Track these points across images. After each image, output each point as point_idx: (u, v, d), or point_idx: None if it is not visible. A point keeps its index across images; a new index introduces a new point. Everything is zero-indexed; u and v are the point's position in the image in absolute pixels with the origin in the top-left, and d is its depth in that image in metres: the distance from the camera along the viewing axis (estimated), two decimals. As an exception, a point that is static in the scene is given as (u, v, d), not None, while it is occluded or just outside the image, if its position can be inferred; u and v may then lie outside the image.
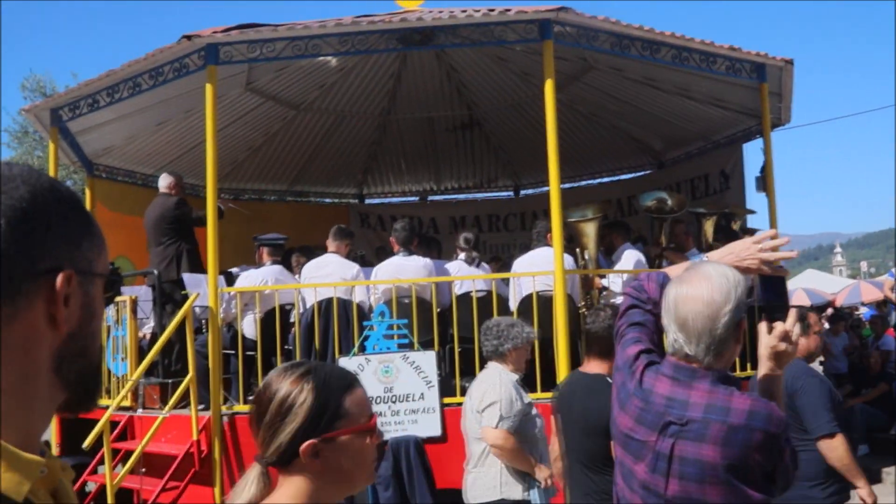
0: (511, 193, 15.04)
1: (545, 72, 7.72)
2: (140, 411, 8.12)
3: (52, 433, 9.56)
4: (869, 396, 11.19)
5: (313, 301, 7.83)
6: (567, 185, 13.80)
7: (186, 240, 8.74)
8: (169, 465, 7.42)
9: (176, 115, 10.67)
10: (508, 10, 7.64)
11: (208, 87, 7.90)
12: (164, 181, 9.10)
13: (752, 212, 10.56)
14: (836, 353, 12.49)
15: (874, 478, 9.70)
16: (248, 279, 8.38)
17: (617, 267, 8.39)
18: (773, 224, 9.36)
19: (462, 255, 8.29)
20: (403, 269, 7.90)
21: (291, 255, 9.02)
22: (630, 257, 8.34)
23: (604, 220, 9.13)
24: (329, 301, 7.77)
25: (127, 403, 8.09)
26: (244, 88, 10.92)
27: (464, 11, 7.75)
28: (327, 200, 14.97)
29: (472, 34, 8.14)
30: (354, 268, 8.04)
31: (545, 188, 14.17)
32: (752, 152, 11.35)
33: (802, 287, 30.44)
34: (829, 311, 21.61)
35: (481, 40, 8.26)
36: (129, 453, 7.62)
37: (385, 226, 13.49)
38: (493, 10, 7.65)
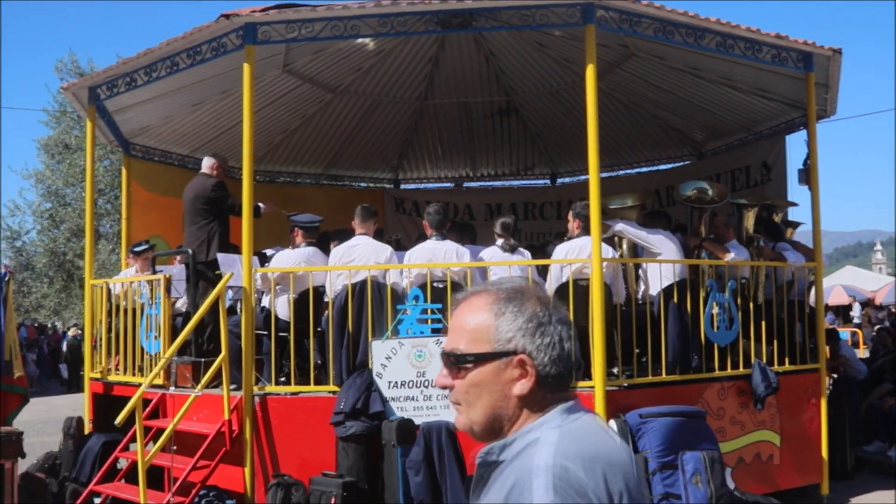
0: (548, 181, 14.92)
1: (587, 56, 7.59)
2: (172, 389, 8.14)
3: (85, 410, 9.63)
4: None
5: (345, 284, 7.78)
6: (605, 175, 13.66)
7: (220, 222, 8.73)
8: (200, 444, 7.42)
9: (212, 95, 10.66)
10: (551, -7, 7.52)
11: (246, 67, 7.86)
12: (207, 162, 9.10)
13: (794, 204, 10.38)
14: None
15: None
16: (283, 259, 8.36)
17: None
18: (815, 217, 9.18)
19: (500, 242, 8.20)
20: (436, 254, 7.83)
21: (328, 240, 8.97)
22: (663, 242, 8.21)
23: (643, 209, 9.01)
24: (363, 284, 7.71)
25: (159, 382, 8.10)
26: (281, 70, 10.88)
27: (506, -6, 7.64)
28: (362, 185, 14.93)
29: (512, 18, 8.03)
30: (388, 250, 7.97)
31: (582, 177, 14.10)
32: (794, 144, 11.18)
33: (841, 284, 30.14)
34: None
35: (522, 24, 8.15)
36: (160, 431, 7.63)
37: (420, 211, 13.42)
38: (535, -7, 7.54)
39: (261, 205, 8.90)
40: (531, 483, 1.65)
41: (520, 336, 1.79)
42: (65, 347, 25.23)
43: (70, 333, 25.65)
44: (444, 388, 1.88)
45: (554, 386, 1.81)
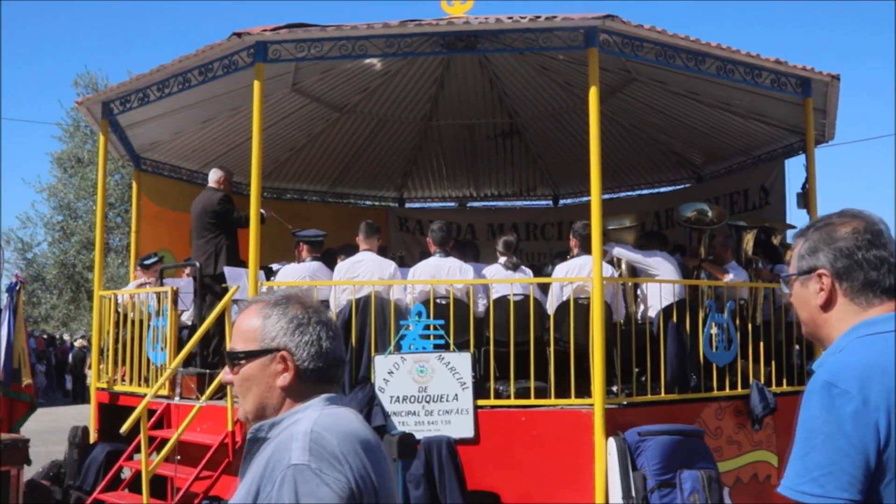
0: (550, 202, 15.06)
1: (590, 79, 7.75)
2: (177, 400, 8.25)
3: (90, 419, 9.74)
4: None
5: (349, 299, 7.91)
6: (606, 196, 13.77)
7: (227, 235, 8.88)
8: (203, 455, 7.51)
9: (222, 112, 10.83)
10: (555, 17, 7.69)
11: (256, 84, 8.02)
12: (214, 175, 9.27)
13: (792, 227, 10.51)
14: None
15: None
16: (288, 274, 8.49)
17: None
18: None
19: (502, 260, 8.33)
20: (440, 270, 7.96)
21: (334, 256, 9.10)
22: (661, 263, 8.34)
23: (641, 229, 9.14)
24: (366, 299, 7.85)
25: (164, 392, 8.22)
26: (290, 89, 11.06)
27: (510, 17, 7.81)
28: (367, 203, 15.09)
29: (515, 41, 8.20)
30: (391, 266, 8.11)
31: (584, 198, 14.23)
32: (792, 168, 11.31)
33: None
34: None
35: (525, 47, 8.32)
36: (164, 441, 7.73)
37: (423, 230, 13.55)
38: (539, 17, 7.70)
39: (263, 211, 9.06)
40: (290, 445, 1.93)
41: (282, 335, 2.10)
42: (70, 359, 25.34)
43: (76, 345, 25.77)
44: (228, 384, 2.21)
45: (315, 379, 2.11)
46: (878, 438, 1.81)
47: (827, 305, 2.06)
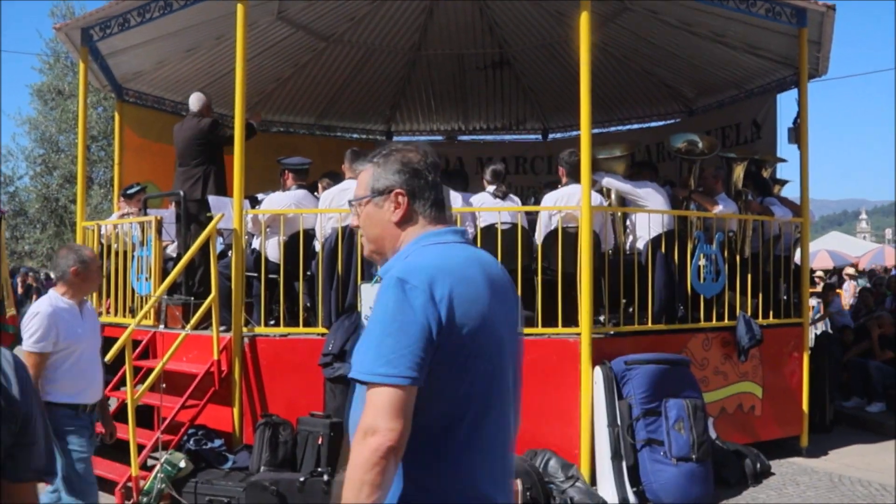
0: (539, 136, 14.95)
1: (581, 5, 7.61)
2: (161, 328, 8.22)
3: (75, 349, 9.69)
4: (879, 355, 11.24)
5: (335, 227, 7.83)
6: (596, 131, 13.66)
7: (214, 162, 8.75)
8: (189, 384, 7.51)
9: (206, 41, 10.60)
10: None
11: (240, 7, 7.84)
12: (198, 102, 9.08)
13: (783, 160, 10.45)
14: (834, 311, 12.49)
15: (891, 434, 9.71)
16: (273, 202, 8.39)
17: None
18: (803, 175, 9.24)
19: (490, 189, 8.25)
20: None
21: (318, 181, 9.00)
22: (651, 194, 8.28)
23: (631, 159, 9.06)
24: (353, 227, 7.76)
25: (149, 322, 8.17)
26: (275, 17, 10.83)
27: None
28: (355, 136, 14.92)
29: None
30: (378, 193, 8.00)
31: (574, 132, 14.09)
32: (785, 104, 11.19)
33: (826, 249, 30.28)
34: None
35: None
36: (150, 371, 7.70)
37: (411, 163, 13.44)
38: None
39: (252, 122, 8.92)
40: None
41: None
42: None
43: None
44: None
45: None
46: (440, 328, 2.10)
47: (402, 221, 2.36)
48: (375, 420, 2.05)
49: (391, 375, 2.06)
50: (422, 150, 2.44)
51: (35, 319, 4.95)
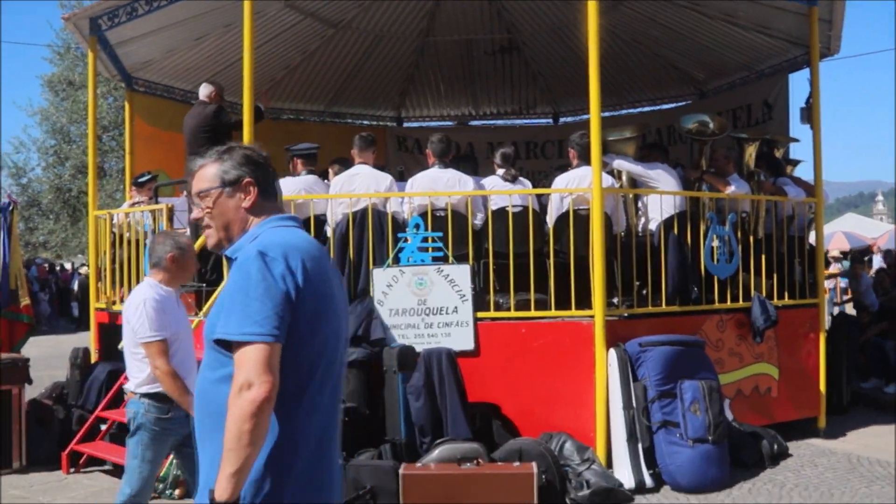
0: (550, 120, 14.90)
1: (590, -14, 7.55)
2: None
3: (91, 339, 9.73)
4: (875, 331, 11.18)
5: (345, 212, 7.81)
6: (606, 114, 13.59)
7: None
8: (202, 369, 7.50)
9: (215, 29, 10.59)
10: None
11: (247, -5, 7.81)
12: (205, 90, 9.11)
13: (795, 140, 10.36)
14: (863, 289, 12.37)
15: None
16: (283, 187, 8.35)
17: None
18: (816, 154, 9.17)
19: (500, 172, 8.21)
20: (438, 182, 7.85)
21: (329, 167, 8.98)
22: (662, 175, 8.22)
23: (643, 140, 9.00)
24: (363, 212, 7.75)
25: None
26: (283, 4, 10.81)
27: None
28: (365, 122, 14.89)
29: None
30: (388, 179, 7.99)
31: (584, 116, 14.02)
32: (796, 84, 11.10)
33: (842, 231, 30.16)
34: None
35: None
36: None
37: (422, 149, 13.35)
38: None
39: (260, 105, 8.91)
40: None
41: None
42: (76, 286, 25.30)
43: (82, 272, 25.75)
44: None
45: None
46: (297, 293, 2.41)
47: (251, 208, 2.64)
48: (249, 375, 2.31)
49: (260, 334, 2.34)
50: (256, 146, 2.78)
51: (145, 308, 4.69)
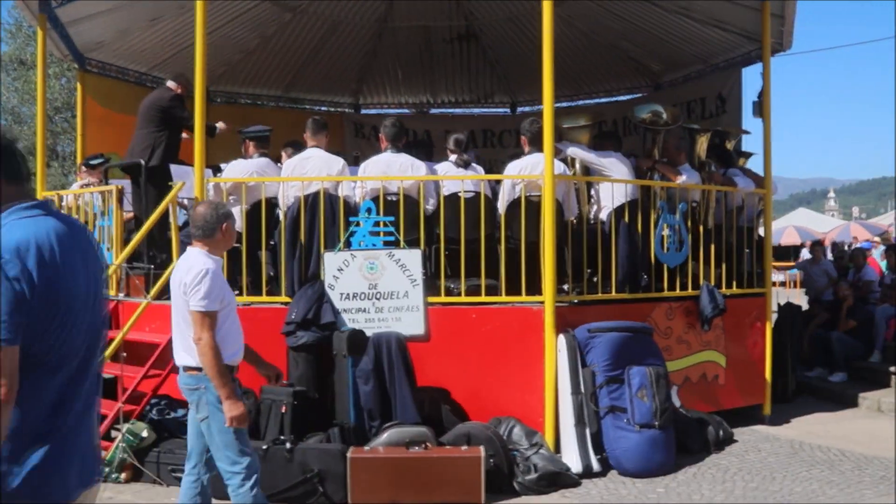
0: (507, 110, 14.93)
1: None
2: (121, 296, 8.14)
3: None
4: (841, 327, 11.35)
5: (297, 195, 7.78)
6: (563, 104, 13.70)
7: (169, 132, 8.74)
8: (151, 354, 7.44)
9: (169, 10, 10.45)
10: None
11: (200, -26, 7.73)
12: (175, 80, 9.23)
13: (746, 132, 10.49)
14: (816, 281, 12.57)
15: (851, 403, 9.85)
16: (235, 170, 8.32)
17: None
18: (766, 147, 9.30)
19: (453, 158, 8.22)
20: (391, 166, 7.84)
21: (283, 150, 8.94)
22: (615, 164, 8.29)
23: (598, 129, 9.05)
24: (315, 195, 7.72)
25: (111, 292, 8.08)
26: (239, -14, 10.72)
27: None
28: (322, 108, 14.81)
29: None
30: (340, 162, 7.95)
31: (541, 106, 14.03)
32: (750, 78, 11.22)
33: (794, 225, 30.64)
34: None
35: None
36: (111, 341, 7.63)
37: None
38: None
39: (217, 125, 8.87)
40: None
41: None
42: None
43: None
44: None
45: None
46: (33, 293, 2.38)
47: None
48: None
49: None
50: (3, 129, 2.67)
51: (205, 278, 4.49)
